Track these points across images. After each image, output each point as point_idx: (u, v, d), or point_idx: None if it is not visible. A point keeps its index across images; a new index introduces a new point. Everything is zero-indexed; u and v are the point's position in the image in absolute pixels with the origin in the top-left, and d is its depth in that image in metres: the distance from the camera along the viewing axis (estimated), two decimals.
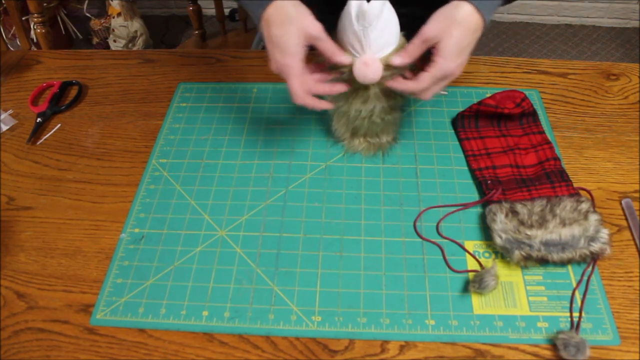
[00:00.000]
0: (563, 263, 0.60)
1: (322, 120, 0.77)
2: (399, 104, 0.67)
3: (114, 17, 1.98)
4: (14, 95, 0.85)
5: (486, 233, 0.63)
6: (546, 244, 0.59)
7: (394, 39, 0.60)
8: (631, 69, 0.84)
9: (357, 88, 0.63)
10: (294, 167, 0.72)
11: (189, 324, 0.58)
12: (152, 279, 0.61)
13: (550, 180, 0.66)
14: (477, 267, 0.61)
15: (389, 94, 0.65)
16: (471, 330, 0.56)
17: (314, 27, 0.57)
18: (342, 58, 0.59)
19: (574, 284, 0.59)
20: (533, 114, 0.74)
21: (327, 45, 0.58)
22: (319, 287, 0.60)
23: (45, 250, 0.65)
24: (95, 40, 2.10)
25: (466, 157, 0.71)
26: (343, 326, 0.57)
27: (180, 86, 0.84)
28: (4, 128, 0.80)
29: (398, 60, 0.59)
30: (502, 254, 0.61)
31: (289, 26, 0.56)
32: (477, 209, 0.66)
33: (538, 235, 0.59)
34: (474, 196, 0.68)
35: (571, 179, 0.66)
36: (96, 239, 0.65)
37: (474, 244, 0.63)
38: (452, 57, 0.56)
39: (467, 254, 0.62)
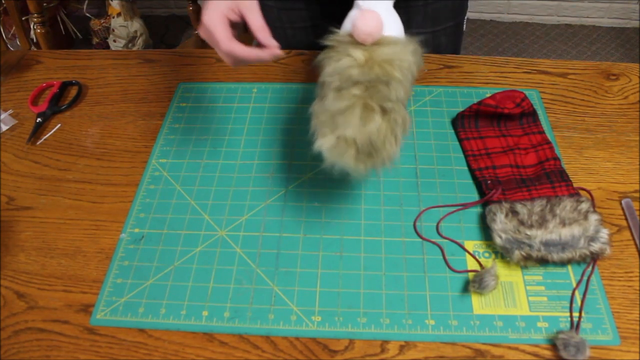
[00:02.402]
0: (563, 263, 0.60)
1: None
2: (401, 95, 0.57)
3: (114, 17, 1.98)
4: (14, 95, 0.85)
5: (486, 233, 0.63)
6: (546, 244, 0.59)
7: (395, 28, 0.59)
8: (631, 69, 0.84)
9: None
10: (294, 167, 0.72)
11: (189, 324, 0.58)
12: (152, 279, 0.61)
13: (550, 180, 0.66)
14: (477, 267, 0.61)
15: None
16: (471, 330, 0.56)
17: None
18: (268, 39, 0.57)
19: (574, 284, 0.59)
20: (533, 114, 0.74)
21: (254, 18, 0.58)
22: (319, 287, 0.60)
23: (45, 250, 0.65)
24: (95, 40, 2.10)
25: (466, 157, 0.71)
26: (343, 326, 0.57)
27: (180, 86, 0.84)
28: (4, 128, 0.80)
29: None
30: (502, 254, 0.61)
31: None
32: (477, 209, 0.66)
33: (538, 235, 0.59)
34: (474, 196, 0.68)
35: (571, 179, 0.66)
36: (96, 239, 0.65)
37: (474, 244, 0.63)
38: None
39: (467, 254, 0.62)
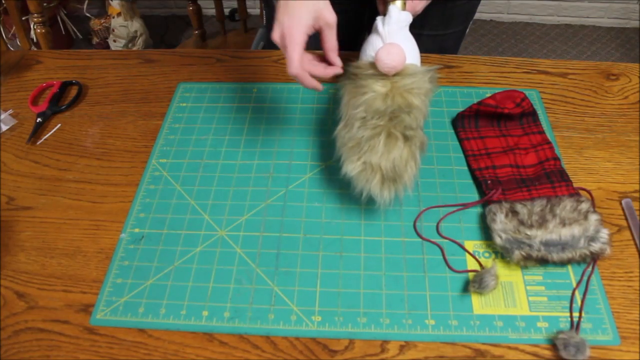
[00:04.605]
0: (563, 263, 0.60)
1: (322, 120, 0.77)
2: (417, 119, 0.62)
3: (114, 17, 1.98)
4: (14, 95, 0.85)
5: (486, 233, 0.63)
6: (546, 244, 0.59)
7: (413, 55, 0.62)
8: (631, 69, 0.84)
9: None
10: (294, 167, 0.72)
11: (189, 324, 0.58)
12: (152, 279, 0.61)
13: (550, 180, 0.66)
14: (477, 267, 0.61)
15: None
16: (471, 330, 0.56)
17: (331, 13, 0.57)
18: (337, 58, 0.59)
19: (574, 284, 0.59)
20: (533, 113, 0.74)
21: (331, 38, 0.58)
22: (319, 287, 0.60)
23: (45, 250, 0.65)
24: (95, 40, 2.10)
25: (466, 157, 0.71)
26: (343, 326, 0.57)
27: (180, 86, 0.84)
28: (4, 128, 0.80)
29: None
30: (502, 254, 0.61)
31: None
32: (477, 209, 0.66)
33: (538, 235, 0.59)
34: (474, 196, 0.68)
35: (571, 179, 0.66)
36: (96, 239, 0.65)
37: (474, 244, 0.63)
38: None
39: (467, 254, 0.62)
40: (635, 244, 0.62)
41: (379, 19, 0.63)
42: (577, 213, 0.61)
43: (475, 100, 0.75)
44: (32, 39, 1.60)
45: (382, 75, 0.61)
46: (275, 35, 0.58)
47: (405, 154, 0.60)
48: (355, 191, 0.62)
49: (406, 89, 0.60)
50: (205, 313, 0.58)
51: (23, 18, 1.52)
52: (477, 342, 0.55)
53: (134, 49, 2.00)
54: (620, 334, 0.55)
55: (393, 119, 0.60)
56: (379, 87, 0.61)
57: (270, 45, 1.01)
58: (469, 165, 0.70)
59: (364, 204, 0.66)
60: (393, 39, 0.61)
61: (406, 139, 0.60)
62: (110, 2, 1.98)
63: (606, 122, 0.76)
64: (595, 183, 0.68)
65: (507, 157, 0.69)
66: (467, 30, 0.97)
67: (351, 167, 0.61)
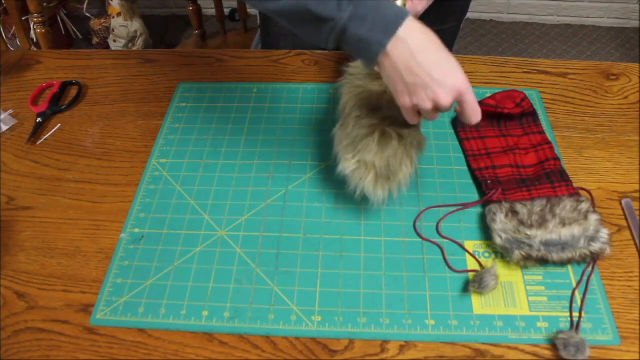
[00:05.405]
0: (563, 263, 0.60)
1: (322, 120, 0.77)
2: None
3: (114, 17, 1.98)
4: (14, 95, 0.85)
5: (486, 233, 0.63)
6: (546, 244, 0.59)
7: None
8: (631, 69, 0.84)
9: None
10: (294, 167, 0.72)
11: (189, 324, 0.58)
12: (152, 279, 0.61)
13: (550, 180, 0.66)
14: (477, 267, 0.61)
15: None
16: (471, 330, 0.56)
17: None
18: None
19: (574, 284, 0.59)
20: (533, 114, 0.74)
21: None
22: (319, 287, 0.60)
23: (45, 250, 0.65)
24: (95, 40, 2.10)
25: (466, 157, 0.71)
26: (343, 326, 0.57)
27: (180, 86, 0.84)
28: (4, 128, 0.80)
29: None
30: (502, 254, 0.61)
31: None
32: (477, 209, 0.66)
33: (538, 235, 0.59)
34: (474, 196, 0.68)
35: (571, 179, 0.66)
36: (96, 239, 0.65)
37: (474, 244, 0.63)
38: None
39: (467, 254, 0.62)
40: (635, 244, 0.62)
41: None
42: (577, 213, 0.61)
43: None
44: (32, 39, 1.60)
45: (378, 75, 0.61)
46: (444, 100, 0.52)
47: (399, 153, 0.60)
48: (350, 189, 0.62)
49: None
50: (205, 313, 0.58)
51: (23, 18, 1.52)
52: (477, 342, 0.55)
53: (134, 49, 2.00)
54: (620, 334, 0.55)
55: (387, 118, 0.60)
56: (375, 86, 0.61)
57: (269, 45, 1.01)
58: (469, 165, 0.70)
59: (359, 203, 0.66)
60: None
61: (401, 137, 0.60)
62: (110, 2, 1.98)
63: (606, 122, 0.76)
64: (595, 183, 0.68)
65: (507, 157, 0.69)
66: (462, 25, 0.98)
67: (346, 165, 0.61)
